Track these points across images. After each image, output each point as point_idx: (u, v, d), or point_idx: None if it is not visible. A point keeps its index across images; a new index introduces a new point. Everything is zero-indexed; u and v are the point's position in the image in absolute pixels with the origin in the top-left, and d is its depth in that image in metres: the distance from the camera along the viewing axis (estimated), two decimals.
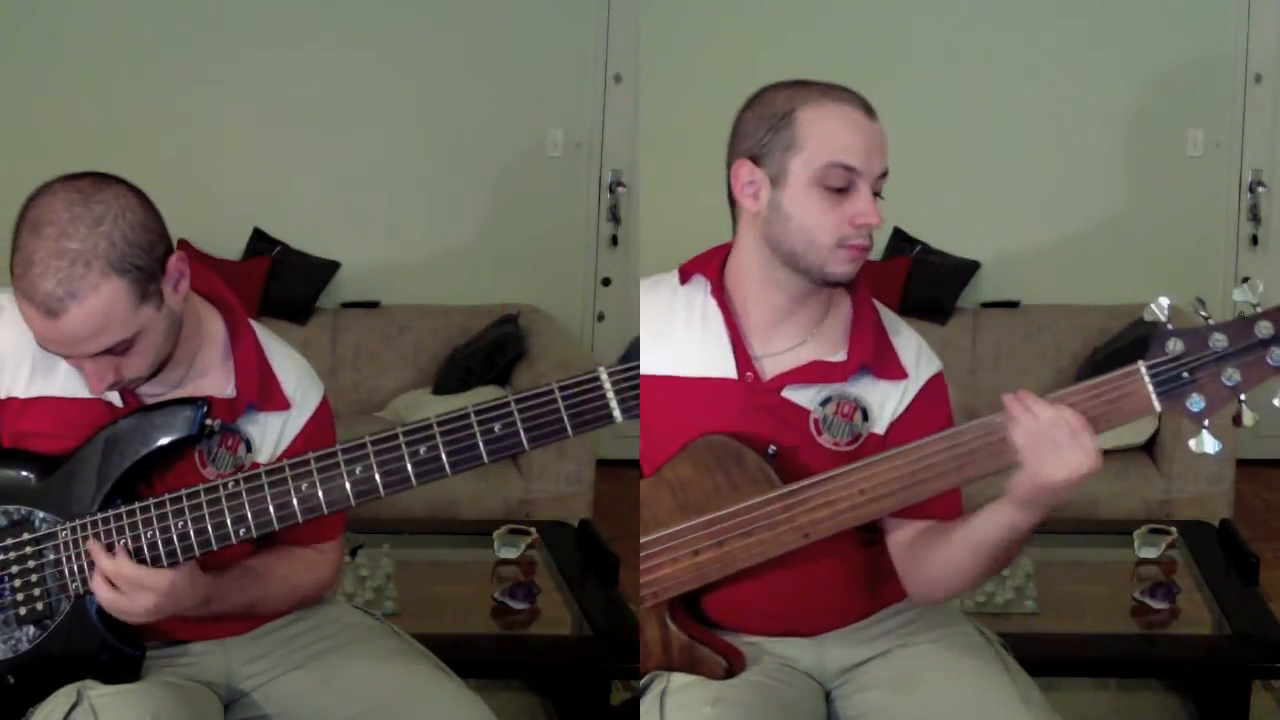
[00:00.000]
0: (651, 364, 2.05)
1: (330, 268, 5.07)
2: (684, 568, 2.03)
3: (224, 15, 5.02)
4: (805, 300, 2.08)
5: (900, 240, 5.04)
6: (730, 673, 2.04)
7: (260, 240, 5.05)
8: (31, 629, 2.00)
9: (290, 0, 5.10)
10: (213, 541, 1.95)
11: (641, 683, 2.07)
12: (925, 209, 4.97)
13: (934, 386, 2.13)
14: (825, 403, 2.07)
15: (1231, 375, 1.84)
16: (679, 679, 2.02)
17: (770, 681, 2.05)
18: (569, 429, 1.90)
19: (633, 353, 1.92)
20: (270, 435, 2.10)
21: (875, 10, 5.13)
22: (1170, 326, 1.85)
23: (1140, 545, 3.30)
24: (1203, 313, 1.86)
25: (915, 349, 2.14)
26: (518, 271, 5.19)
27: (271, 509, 1.94)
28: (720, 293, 2.11)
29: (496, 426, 1.90)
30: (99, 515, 1.97)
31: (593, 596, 3.18)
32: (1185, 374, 1.84)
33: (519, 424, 1.90)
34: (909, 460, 1.94)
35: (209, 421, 2.00)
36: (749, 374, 2.07)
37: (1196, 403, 1.84)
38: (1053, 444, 1.83)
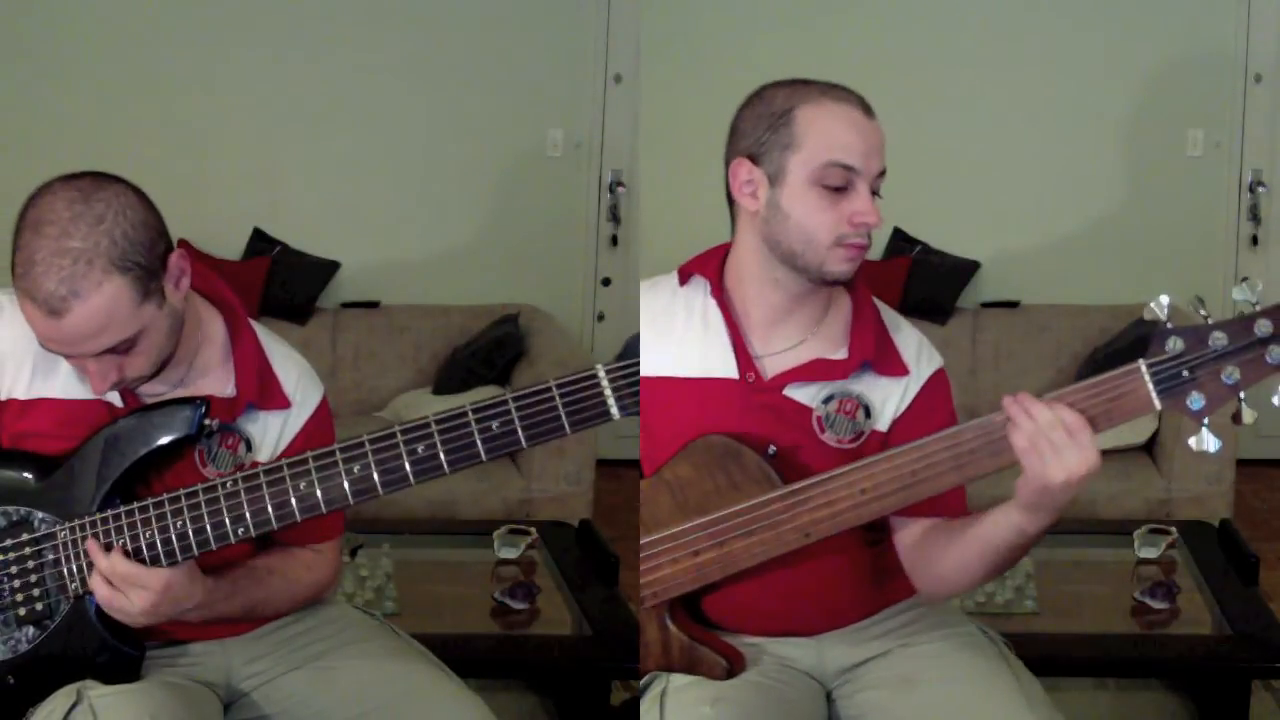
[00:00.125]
0: (652, 365, 2.05)
1: (330, 268, 5.07)
2: (684, 568, 2.03)
3: (224, 15, 5.02)
4: (805, 299, 2.08)
5: (900, 240, 5.04)
6: (730, 673, 2.04)
7: (260, 240, 5.05)
8: (31, 629, 2.00)
9: (290, 1, 5.09)
10: (211, 541, 1.95)
11: (641, 683, 2.07)
12: (925, 209, 4.97)
13: (936, 383, 2.13)
14: (827, 400, 2.07)
15: (1231, 373, 1.84)
16: (679, 679, 2.02)
17: (770, 682, 2.05)
18: (567, 427, 1.90)
19: (630, 350, 1.92)
20: (270, 434, 2.10)
21: (876, 10, 5.13)
22: (1170, 325, 1.85)
23: (1140, 545, 3.30)
24: (1202, 311, 1.86)
25: (916, 346, 2.14)
26: (518, 271, 5.19)
27: (270, 508, 1.94)
28: (720, 293, 2.11)
29: (494, 425, 1.90)
30: (98, 515, 1.98)
31: (593, 596, 3.17)
32: (1185, 372, 1.84)
33: (517, 422, 1.90)
34: (910, 460, 1.95)
35: (208, 421, 2.00)
36: (750, 374, 2.07)
37: (1196, 401, 1.85)
38: (1051, 446, 1.84)
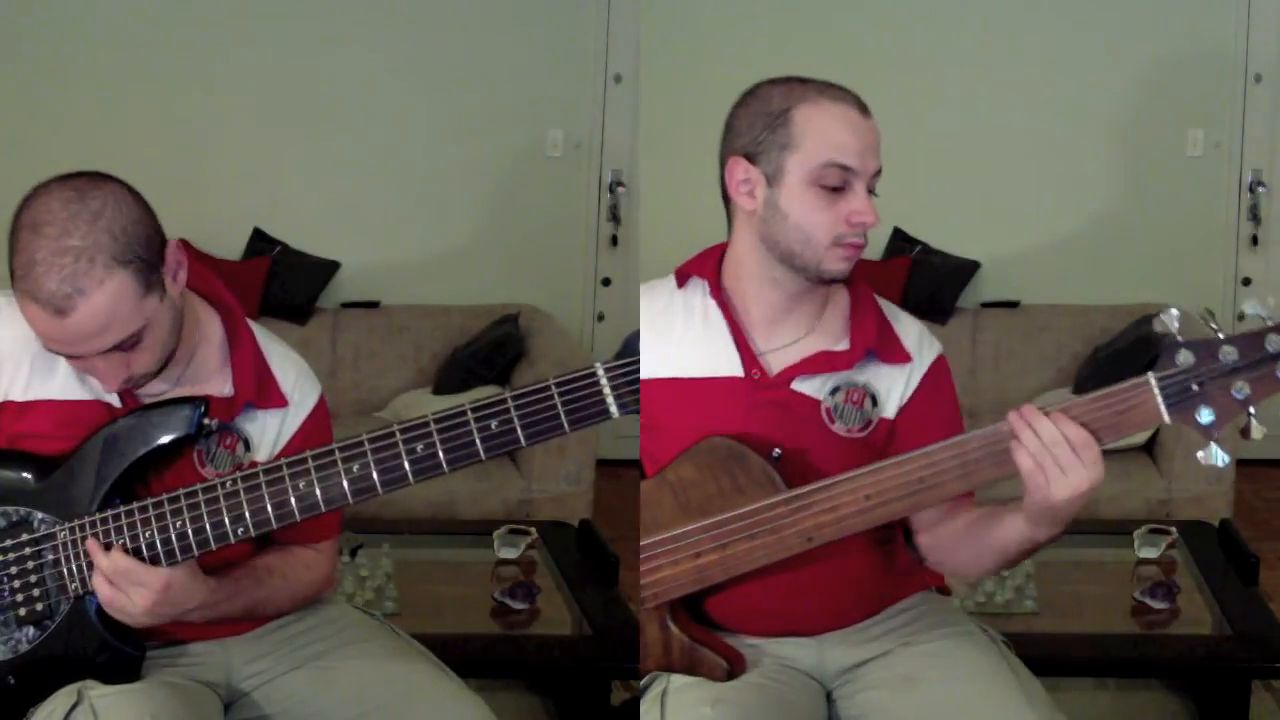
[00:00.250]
0: (656, 367, 2.06)
1: (330, 268, 5.08)
2: (685, 570, 2.03)
3: (224, 15, 5.02)
4: (804, 297, 2.09)
5: (900, 240, 5.04)
6: (731, 675, 2.04)
7: (260, 240, 5.05)
8: (31, 630, 2.00)
9: (290, 1, 5.10)
10: (211, 541, 1.95)
11: (641, 683, 2.07)
12: (925, 209, 4.97)
13: (938, 370, 2.15)
14: (834, 392, 2.08)
15: (1241, 388, 1.84)
16: (679, 680, 2.02)
17: (770, 683, 2.05)
18: (566, 425, 1.90)
19: (629, 349, 1.92)
20: (268, 434, 2.10)
21: (876, 10, 5.13)
22: (1180, 338, 1.85)
23: (1140, 545, 3.30)
24: (1213, 325, 1.87)
25: (916, 334, 2.16)
26: (518, 271, 5.19)
27: (269, 508, 1.94)
28: (719, 293, 2.11)
29: (493, 423, 1.90)
30: (97, 515, 1.98)
31: (593, 596, 3.17)
32: (1195, 386, 1.85)
33: (516, 421, 1.90)
34: (915, 467, 1.95)
35: (207, 421, 2.00)
36: (755, 371, 2.08)
37: (1206, 415, 1.85)
38: (1055, 463, 1.85)
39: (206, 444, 2.04)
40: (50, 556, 1.99)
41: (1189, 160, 5.14)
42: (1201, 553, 3.33)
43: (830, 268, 2.03)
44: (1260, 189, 5.14)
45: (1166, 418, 1.86)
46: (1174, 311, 1.86)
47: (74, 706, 1.94)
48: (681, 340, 2.10)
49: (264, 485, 1.94)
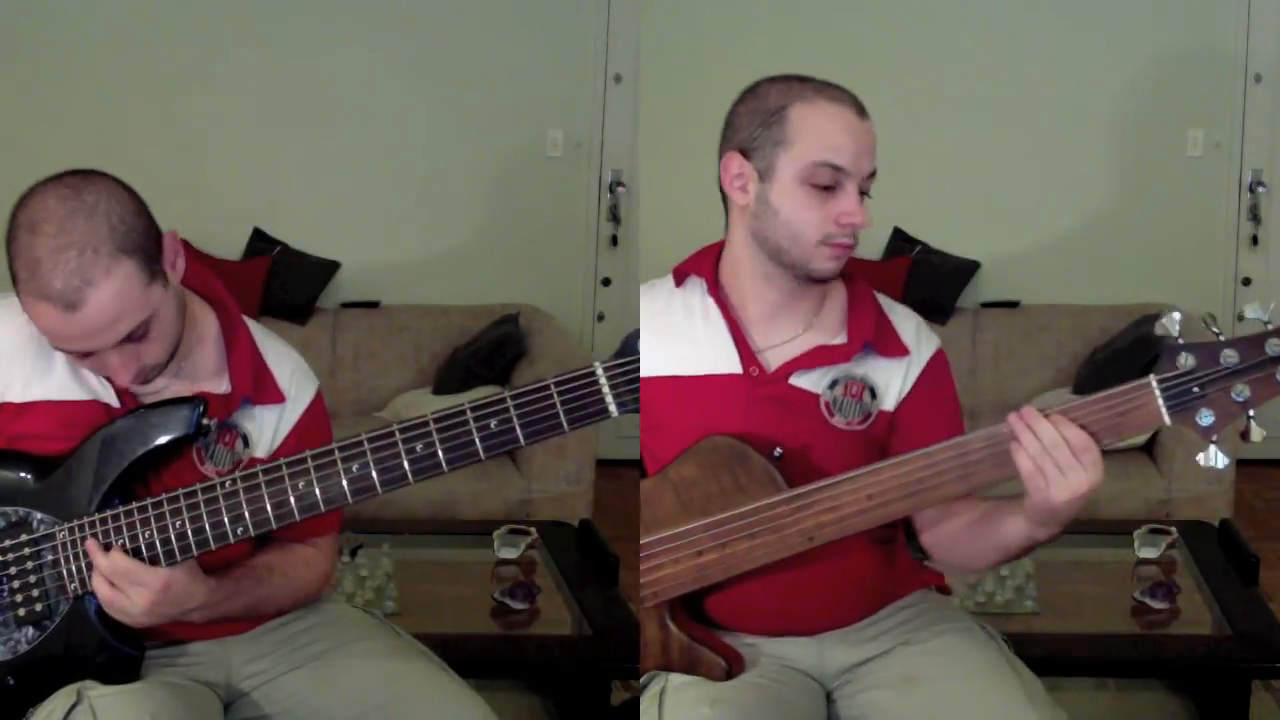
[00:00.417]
0: (656, 365, 2.06)
1: (330, 268, 5.08)
2: (686, 568, 2.03)
3: (224, 15, 5.02)
4: (799, 294, 2.10)
5: (900, 240, 5.04)
6: (729, 674, 2.04)
7: (260, 240, 5.05)
8: (30, 630, 2.00)
9: (290, 1, 5.09)
10: (211, 541, 1.95)
11: (640, 682, 2.07)
12: (925, 209, 4.97)
13: (937, 363, 2.15)
14: (833, 385, 2.09)
15: (1241, 391, 1.85)
16: (677, 679, 2.03)
17: (769, 682, 2.05)
18: (565, 425, 1.90)
19: (628, 348, 1.92)
20: (266, 429, 2.10)
21: (876, 10, 5.13)
22: (1181, 341, 1.86)
23: (1140, 545, 3.30)
24: (1214, 328, 1.88)
25: (914, 327, 2.17)
26: (518, 271, 5.19)
27: (269, 507, 1.94)
28: (716, 291, 2.12)
29: (493, 423, 1.91)
30: (97, 516, 1.98)
31: (593, 596, 3.17)
32: (1196, 389, 1.86)
33: (515, 420, 1.90)
34: (917, 467, 1.95)
35: (206, 421, 2.00)
36: (754, 368, 2.08)
37: (1206, 417, 1.86)
38: (1055, 465, 1.86)
39: (205, 441, 2.04)
40: (49, 557, 1.99)
41: (1189, 160, 5.14)
42: (1201, 553, 3.33)
43: (818, 266, 2.04)
44: (1260, 189, 5.14)
45: (1167, 420, 1.87)
46: (1175, 315, 1.87)
47: (73, 707, 1.94)
48: (681, 339, 2.11)
49: (263, 485, 1.94)
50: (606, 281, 5.37)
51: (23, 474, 2.00)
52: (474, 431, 1.91)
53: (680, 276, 2.16)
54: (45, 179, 1.92)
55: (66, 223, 1.87)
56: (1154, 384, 1.86)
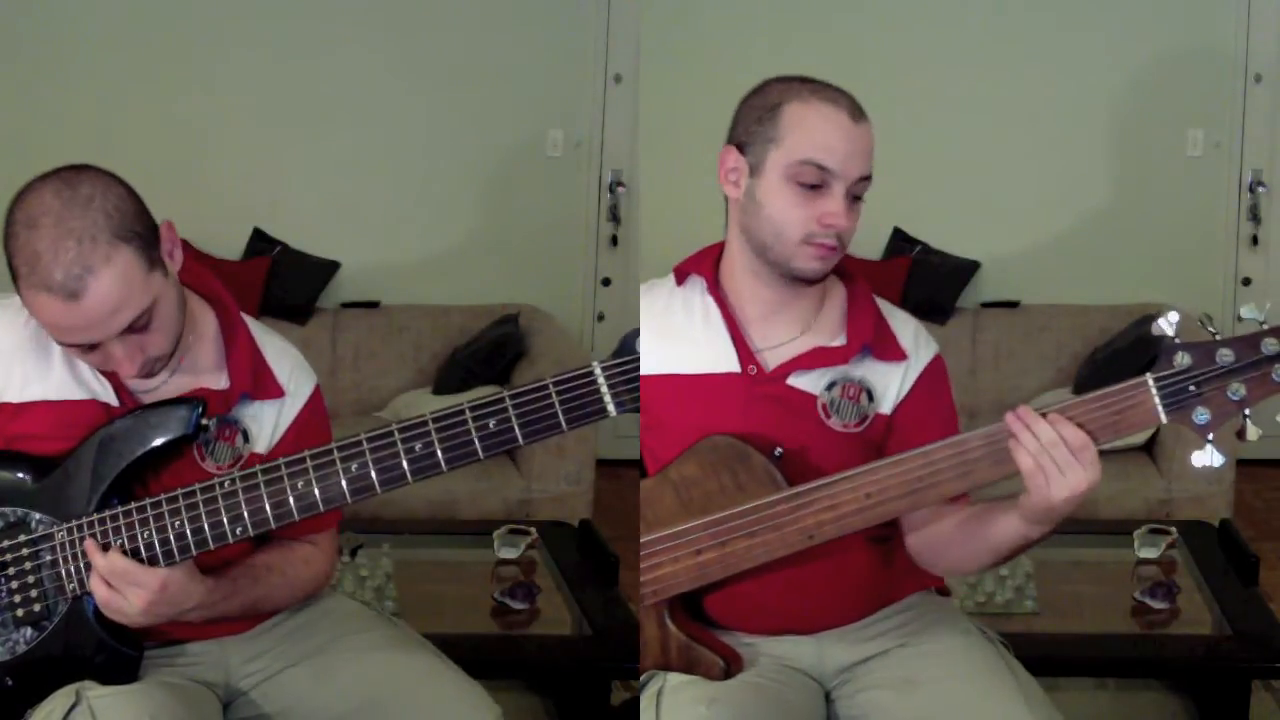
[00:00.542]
0: (655, 364, 2.06)
1: (330, 268, 5.07)
2: (685, 567, 2.04)
3: (224, 15, 5.01)
4: (795, 295, 2.10)
5: (900, 240, 5.03)
6: (728, 674, 2.04)
7: (260, 240, 5.05)
8: (29, 630, 2.00)
9: (290, 1, 5.09)
10: (209, 541, 1.95)
11: (640, 682, 2.07)
12: (925, 209, 4.97)
13: (935, 369, 2.16)
14: (830, 387, 2.09)
15: (1237, 390, 1.86)
16: (675, 679, 2.03)
17: (767, 682, 2.05)
18: (564, 424, 1.91)
19: (626, 348, 1.93)
20: (266, 425, 2.11)
21: (876, 10, 5.12)
22: (1178, 340, 1.87)
23: (1140, 545, 3.30)
24: (1210, 328, 1.89)
25: (913, 332, 2.17)
26: (518, 271, 5.19)
27: (268, 507, 1.95)
28: (716, 289, 2.12)
29: (491, 422, 1.91)
30: (95, 516, 1.98)
31: (593, 596, 3.17)
32: (1192, 387, 1.87)
33: (514, 420, 1.91)
34: (915, 466, 1.96)
35: (205, 421, 2.01)
36: (752, 366, 2.09)
37: (1201, 416, 1.87)
38: (1054, 464, 1.86)
39: (206, 437, 2.05)
40: (48, 557, 1.99)
41: (1189, 160, 5.14)
42: (1201, 553, 3.32)
43: (800, 265, 2.04)
44: (1260, 189, 5.14)
45: (1163, 418, 1.87)
46: (1173, 315, 1.88)
47: (72, 707, 1.94)
48: (681, 337, 2.12)
49: (262, 485, 1.95)
50: (606, 281, 5.37)
51: (21, 474, 2.00)
52: (473, 431, 1.91)
53: (681, 275, 2.17)
54: (38, 176, 1.93)
55: (63, 215, 1.87)
56: (1150, 383, 1.87)
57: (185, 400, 2.01)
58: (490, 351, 4.85)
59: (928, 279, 4.96)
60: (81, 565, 1.97)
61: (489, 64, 5.15)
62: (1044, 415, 1.88)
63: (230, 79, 5.04)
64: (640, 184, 5.17)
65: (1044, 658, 2.44)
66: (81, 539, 1.97)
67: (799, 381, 2.09)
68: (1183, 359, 1.87)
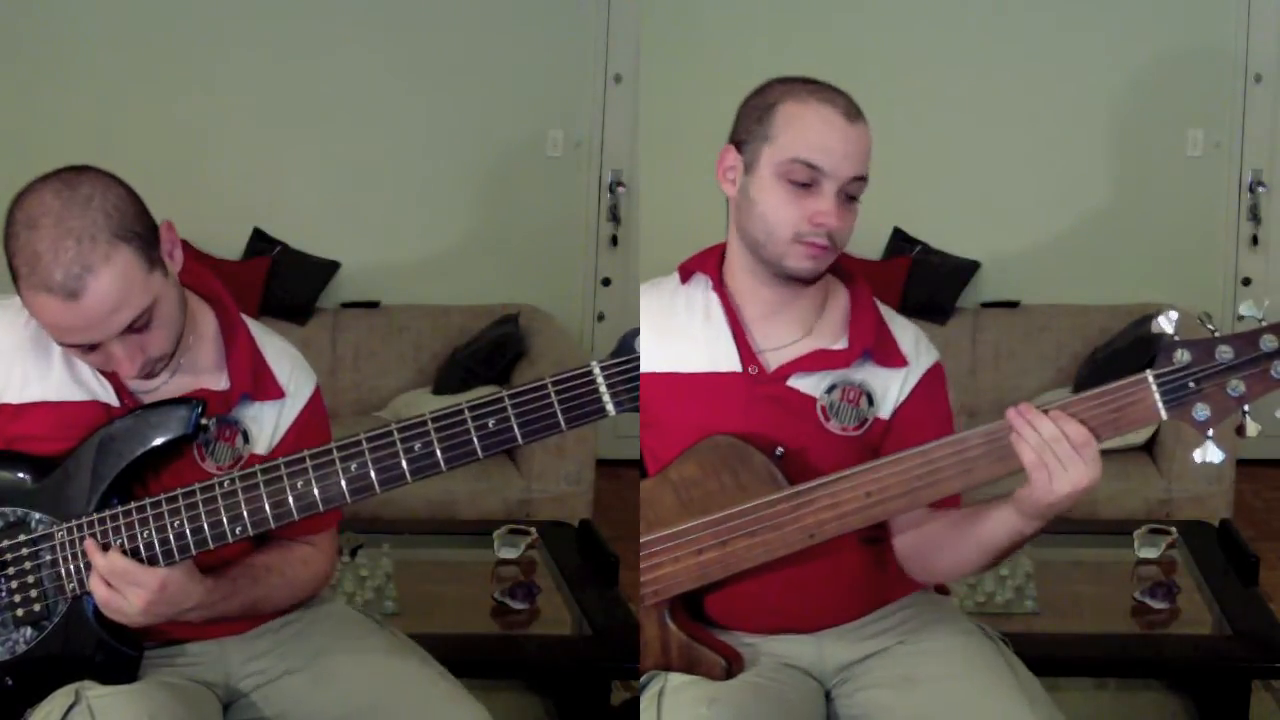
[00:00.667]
0: (656, 361, 2.07)
1: (330, 268, 5.08)
2: (686, 567, 2.04)
3: (224, 15, 5.02)
4: (794, 295, 2.10)
5: (900, 240, 5.03)
6: (729, 673, 2.04)
7: (260, 240, 5.05)
8: (29, 630, 2.00)
9: (290, 1, 5.10)
10: (209, 541, 1.96)
11: (640, 682, 2.07)
12: (925, 209, 4.97)
13: (933, 376, 2.16)
14: (830, 390, 2.09)
15: (1236, 386, 1.87)
16: (676, 679, 2.03)
17: (768, 682, 2.05)
18: (563, 423, 1.91)
19: (625, 347, 1.93)
20: (266, 425, 2.11)
21: (876, 10, 5.13)
22: (1178, 337, 1.88)
23: (1140, 545, 3.30)
24: (1209, 325, 1.90)
25: (914, 339, 2.17)
26: (518, 271, 5.19)
27: (268, 507, 1.95)
28: (721, 288, 2.13)
29: (490, 421, 1.91)
30: (95, 516, 1.98)
31: (593, 596, 3.17)
32: (1191, 384, 1.88)
33: (513, 419, 1.91)
34: (916, 464, 1.96)
35: (205, 421, 2.01)
36: (753, 366, 2.09)
37: (1201, 412, 1.88)
38: (1056, 459, 1.86)
39: (206, 438, 2.05)
40: (48, 557, 1.99)
41: (1189, 160, 5.14)
42: (1201, 553, 3.32)
43: (792, 264, 2.04)
44: (1260, 189, 5.14)
45: (1164, 414, 1.88)
46: (1172, 313, 1.89)
47: (72, 707, 1.94)
48: (683, 335, 2.12)
49: (262, 485, 1.95)
50: (606, 281, 5.37)
51: (21, 474, 2.00)
52: (472, 431, 1.91)
53: (686, 273, 2.17)
54: (39, 177, 1.94)
55: (63, 215, 1.87)
56: (1150, 379, 1.88)
57: (185, 400, 2.01)
58: (490, 351, 4.85)
59: (928, 279, 4.96)
60: (81, 565, 1.97)
61: (489, 64, 5.15)
62: (1045, 412, 1.88)
63: (230, 79, 5.04)
64: (640, 184, 5.17)
65: (1044, 658, 2.43)
66: (81, 539, 1.97)
67: (799, 383, 2.09)
68: (1182, 356, 1.87)
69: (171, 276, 1.98)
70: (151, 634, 2.05)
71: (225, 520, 1.95)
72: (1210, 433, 1.88)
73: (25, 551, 2.00)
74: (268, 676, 2.13)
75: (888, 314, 2.18)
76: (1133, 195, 5.14)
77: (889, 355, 2.12)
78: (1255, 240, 5.15)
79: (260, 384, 2.10)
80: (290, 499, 1.94)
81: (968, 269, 5.03)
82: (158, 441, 1.99)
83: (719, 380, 2.09)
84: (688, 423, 2.06)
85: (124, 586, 1.93)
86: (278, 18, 5.07)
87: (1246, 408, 1.87)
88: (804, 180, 2.01)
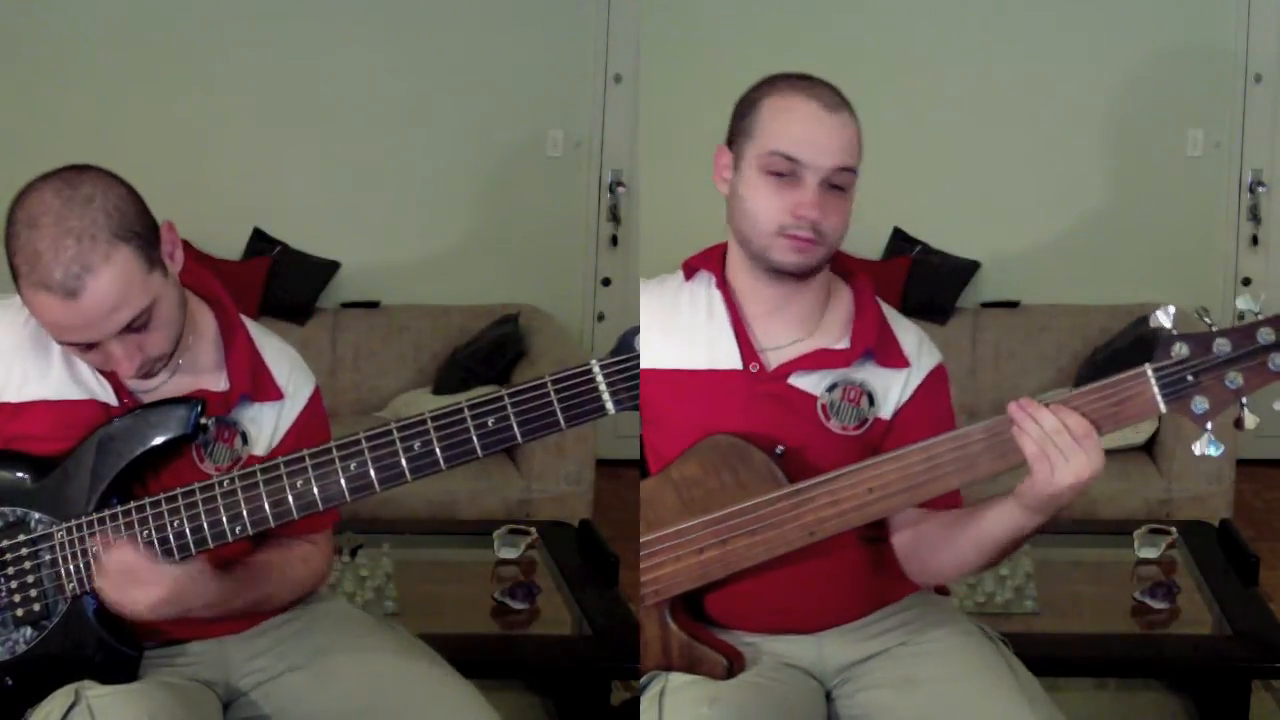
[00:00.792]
0: (658, 358, 2.07)
1: (330, 268, 5.07)
2: (687, 566, 2.04)
3: (224, 15, 5.02)
4: (793, 293, 2.10)
5: (900, 240, 5.03)
6: (731, 673, 2.04)
7: (260, 240, 5.05)
8: (28, 630, 2.00)
9: (290, 1, 5.09)
10: (209, 540, 1.96)
11: (641, 682, 2.07)
12: (925, 209, 4.97)
13: (936, 377, 2.16)
14: (831, 389, 2.10)
15: (1234, 379, 1.88)
16: (677, 679, 2.03)
17: (768, 682, 2.05)
18: (562, 422, 1.91)
19: (625, 346, 1.93)
20: (266, 427, 2.11)
21: (876, 10, 5.12)
22: (1175, 332, 1.89)
23: (1140, 545, 3.30)
24: (1207, 319, 1.91)
25: (916, 340, 2.17)
26: (518, 271, 5.19)
27: (267, 506, 1.95)
28: (723, 286, 2.13)
29: (490, 420, 1.91)
30: (95, 516, 1.98)
31: (593, 596, 3.17)
32: (1190, 377, 1.89)
33: (512, 418, 1.91)
34: (916, 460, 1.97)
35: (204, 421, 2.01)
36: (754, 364, 2.09)
37: (1200, 405, 1.89)
38: (1058, 451, 1.86)
39: (205, 438, 2.05)
40: (47, 557, 1.99)
41: (1189, 160, 5.14)
42: (1201, 553, 3.32)
43: (777, 258, 2.05)
44: (1260, 189, 5.13)
45: (1162, 407, 1.89)
46: (1170, 309, 1.90)
47: (71, 707, 1.94)
48: (685, 333, 2.12)
49: (261, 484, 1.95)
50: (606, 281, 5.37)
51: (20, 474, 2.01)
52: (471, 430, 1.91)
53: (690, 270, 2.17)
54: (40, 176, 1.94)
55: (64, 214, 1.88)
56: (1149, 373, 1.89)
57: (184, 400, 2.01)
58: (490, 351, 4.85)
59: (928, 279, 4.96)
60: (81, 565, 1.97)
61: (489, 64, 5.15)
62: (1046, 406, 1.89)
63: (230, 79, 5.04)
64: (640, 184, 5.17)
65: (1044, 658, 2.43)
66: (81, 539, 1.97)
67: (800, 382, 2.09)
68: (1180, 349, 1.89)
69: (171, 277, 1.98)
70: (151, 634, 2.05)
71: (225, 520, 1.95)
72: (1209, 425, 1.89)
73: (25, 552, 2.00)
74: (268, 674, 2.13)
75: (891, 315, 2.18)
76: (1132, 195, 5.14)
77: (891, 356, 2.12)
78: (1255, 240, 5.15)
79: (259, 385, 2.10)
80: (290, 498, 1.94)
81: (968, 269, 5.03)
82: (157, 441, 1.99)
83: (720, 378, 2.09)
84: (689, 420, 2.07)
85: (133, 584, 1.93)
86: (278, 18, 5.06)
87: (1244, 400, 1.89)
88: (782, 171, 2.02)
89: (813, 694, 2.11)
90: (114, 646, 2.00)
